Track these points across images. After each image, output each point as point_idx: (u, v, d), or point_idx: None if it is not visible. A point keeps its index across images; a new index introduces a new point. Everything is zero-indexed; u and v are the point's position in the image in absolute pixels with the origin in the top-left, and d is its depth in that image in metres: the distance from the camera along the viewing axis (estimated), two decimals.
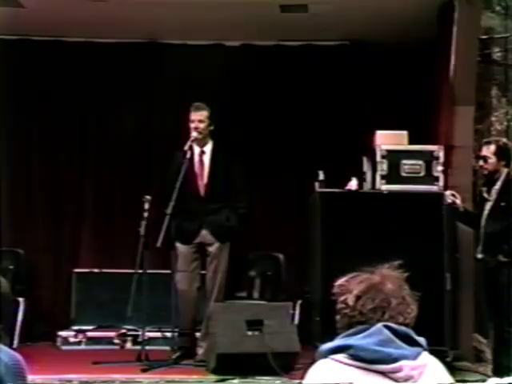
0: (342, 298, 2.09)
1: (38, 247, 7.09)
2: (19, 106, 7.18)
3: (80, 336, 6.46)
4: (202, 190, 5.71)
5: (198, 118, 5.69)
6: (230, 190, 5.69)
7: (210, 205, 5.67)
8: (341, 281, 2.13)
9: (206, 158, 5.77)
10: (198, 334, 5.68)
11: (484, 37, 6.41)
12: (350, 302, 2.06)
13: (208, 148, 5.79)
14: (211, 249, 5.67)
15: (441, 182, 5.56)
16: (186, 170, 5.57)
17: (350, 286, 2.09)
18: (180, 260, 5.65)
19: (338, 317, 2.09)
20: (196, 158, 5.75)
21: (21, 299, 6.07)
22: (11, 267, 6.60)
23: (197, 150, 5.76)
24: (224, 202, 5.69)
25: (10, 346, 2.79)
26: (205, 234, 5.67)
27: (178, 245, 5.67)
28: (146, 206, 5.54)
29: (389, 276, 2.09)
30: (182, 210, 5.53)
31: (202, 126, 5.69)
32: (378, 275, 2.09)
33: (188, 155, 5.65)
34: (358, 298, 2.06)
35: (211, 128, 5.74)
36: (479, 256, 5.37)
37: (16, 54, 7.11)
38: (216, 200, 5.68)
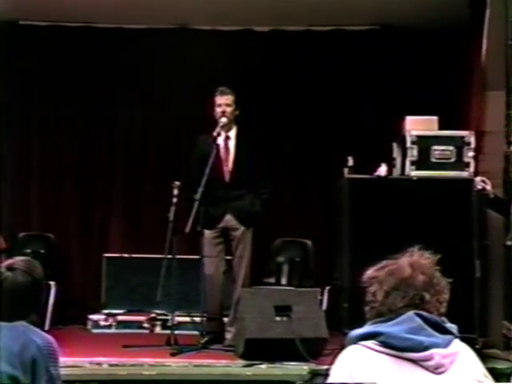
0: (371, 289, 2.05)
1: (69, 232, 7.17)
2: (49, 93, 7.24)
3: (110, 320, 6.53)
4: (226, 176, 5.69)
5: (225, 101, 5.67)
6: (253, 175, 5.67)
7: (235, 190, 5.66)
8: (371, 270, 2.09)
9: (231, 144, 5.75)
10: (226, 319, 5.71)
11: None
12: (379, 297, 2.03)
13: (232, 133, 5.76)
14: (235, 233, 5.67)
15: (471, 168, 5.50)
16: (213, 155, 5.56)
17: (379, 277, 2.05)
18: (205, 245, 5.67)
19: (366, 308, 2.07)
20: (221, 143, 5.72)
21: (52, 283, 6.14)
22: (42, 251, 6.69)
23: (222, 135, 5.74)
24: (248, 188, 5.68)
25: (42, 328, 2.85)
26: (229, 219, 5.66)
27: (203, 230, 5.66)
28: (175, 191, 5.56)
29: (419, 266, 2.04)
30: (207, 195, 5.53)
31: (229, 110, 5.67)
32: (409, 266, 2.04)
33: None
34: (387, 293, 2.02)
35: (237, 113, 5.73)
36: (509, 243, 5.31)
37: (46, 40, 7.17)
38: (240, 186, 5.66)
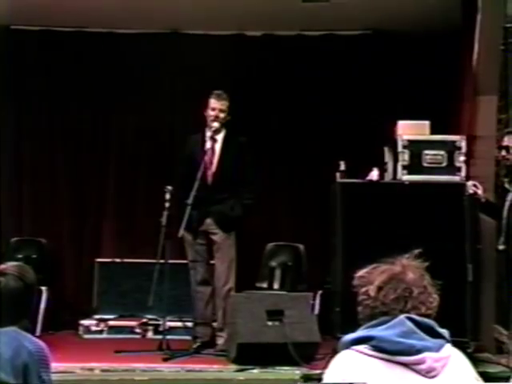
0: (363, 290, 2.09)
1: (61, 237, 7.15)
2: (42, 96, 7.23)
3: (102, 325, 6.51)
4: (209, 179, 5.64)
5: (220, 107, 5.66)
6: (238, 180, 5.62)
7: (217, 194, 5.61)
8: (362, 272, 2.13)
9: (217, 147, 5.72)
10: (215, 324, 5.69)
11: (508, 25, 6.34)
12: (372, 292, 2.06)
13: (220, 136, 5.73)
14: (216, 238, 5.63)
15: (463, 173, 5.52)
16: (199, 157, 5.55)
17: (371, 277, 2.09)
18: (186, 248, 5.63)
19: (359, 308, 2.09)
20: (208, 145, 5.69)
21: (43, 288, 6.11)
22: (34, 256, 6.67)
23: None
24: (231, 192, 5.62)
25: (33, 334, 2.84)
26: (209, 223, 5.61)
27: (185, 233, 5.56)
28: (168, 196, 5.56)
29: (409, 266, 2.09)
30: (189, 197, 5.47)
31: (222, 115, 5.67)
32: (399, 265, 2.09)
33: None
34: (379, 288, 2.06)
35: (228, 118, 5.72)
36: (501, 247, 5.31)
37: (38, 44, 7.17)
38: (223, 189, 5.61)
